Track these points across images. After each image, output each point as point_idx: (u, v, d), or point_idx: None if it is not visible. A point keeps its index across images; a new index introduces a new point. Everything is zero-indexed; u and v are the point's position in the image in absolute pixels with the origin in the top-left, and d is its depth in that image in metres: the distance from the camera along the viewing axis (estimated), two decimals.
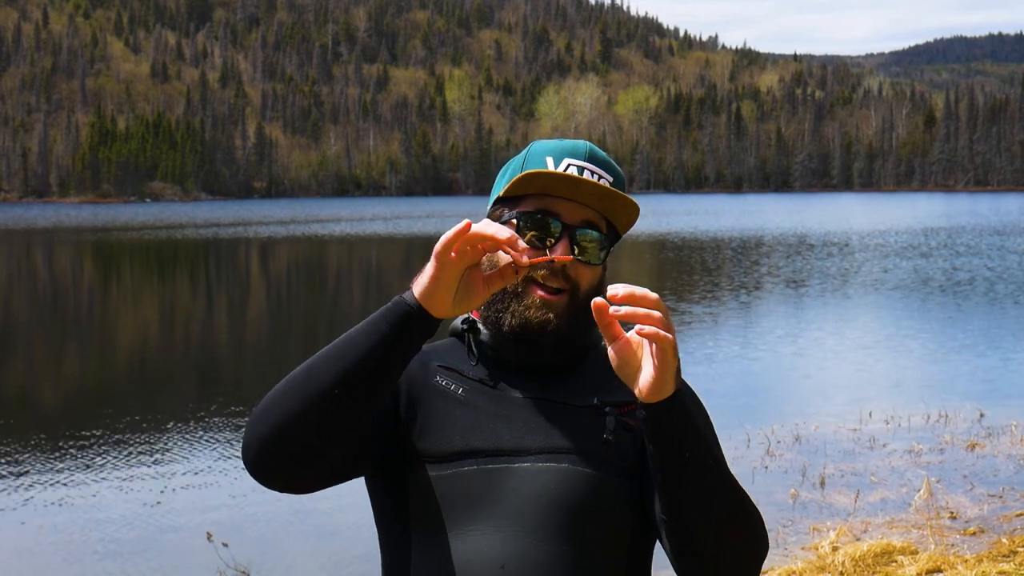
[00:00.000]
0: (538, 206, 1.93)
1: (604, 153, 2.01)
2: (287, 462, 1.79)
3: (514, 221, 1.94)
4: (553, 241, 1.91)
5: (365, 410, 1.79)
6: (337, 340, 1.81)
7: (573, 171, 1.94)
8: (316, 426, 1.76)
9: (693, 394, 1.98)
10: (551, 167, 1.95)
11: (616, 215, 1.96)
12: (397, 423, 1.93)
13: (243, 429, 1.79)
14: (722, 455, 1.82)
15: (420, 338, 1.79)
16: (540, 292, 1.91)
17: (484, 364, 1.99)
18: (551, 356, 1.96)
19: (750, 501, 1.83)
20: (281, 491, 1.86)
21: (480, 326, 2.01)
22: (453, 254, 1.72)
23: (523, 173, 1.91)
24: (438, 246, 1.72)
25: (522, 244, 1.75)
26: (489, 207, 2.02)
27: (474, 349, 2.00)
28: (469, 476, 1.87)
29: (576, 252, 1.91)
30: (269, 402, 1.79)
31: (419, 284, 1.76)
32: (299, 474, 1.82)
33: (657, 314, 1.65)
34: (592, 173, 1.96)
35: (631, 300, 1.65)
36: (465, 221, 1.71)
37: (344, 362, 1.76)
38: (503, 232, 1.72)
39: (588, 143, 2.00)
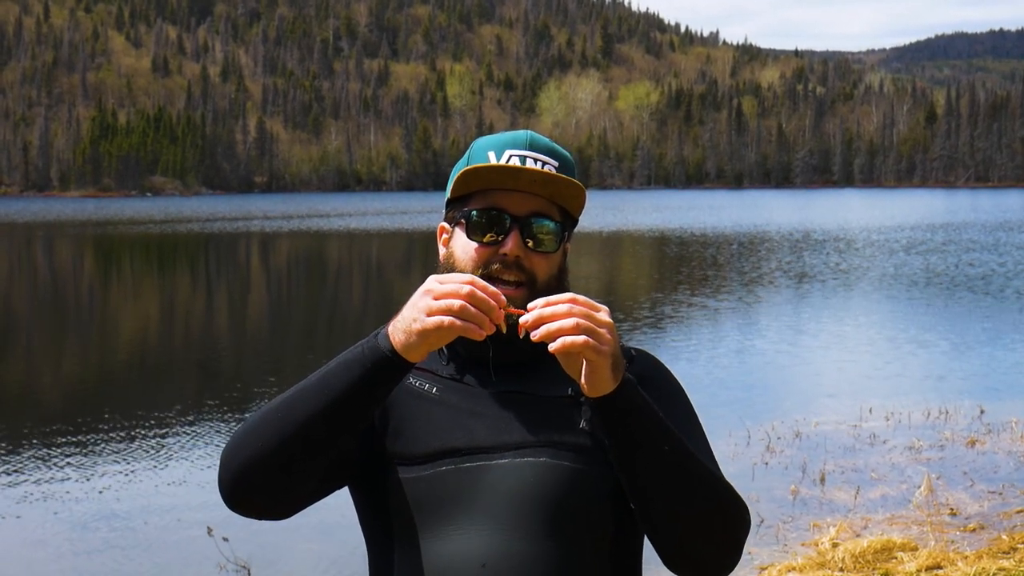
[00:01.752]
0: (485, 203, 1.92)
1: (547, 140, 1.99)
2: (259, 495, 1.82)
3: (463, 221, 1.94)
4: (504, 235, 1.91)
5: (336, 445, 1.81)
6: (312, 377, 1.81)
7: (515, 161, 1.93)
8: (288, 462, 1.79)
9: (663, 380, 2.00)
10: (493, 161, 1.95)
11: (565, 199, 1.94)
12: (373, 430, 1.93)
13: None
14: (682, 442, 1.81)
15: (395, 382, 1.79)
16: (499, 288, 1.86)
17: (455, 363, 1.97)
18: (520, 349, 1.91)
19: (722, 485, 1.82)
20: (257, 519, 1.89)
21: None
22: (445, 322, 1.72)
23: (463, 170, 1.91)
24: (437, 321, 1.72)
25: (491, 289, 1.74)
26: (444, 211, 2.02)
27: (444, 349, 1.98)
28: (447, 476, 1.86)
29: (530, 244, 1.91)
30: (242, 436, 1.81)
31: (400, 335, 1.76)
32: (270, 506, 1.85)
33: (569, 323, 1.69)
34: (535, 160, 1.94)
35: (540, 322, 1.70)
36: (459, 303, 1.71)
37: (318, 401, 1.77)
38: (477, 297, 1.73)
39: (529, 132, 1.99)
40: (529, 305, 1.73)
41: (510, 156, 1.95)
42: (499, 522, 1.83)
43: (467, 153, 2.02)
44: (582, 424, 1.89)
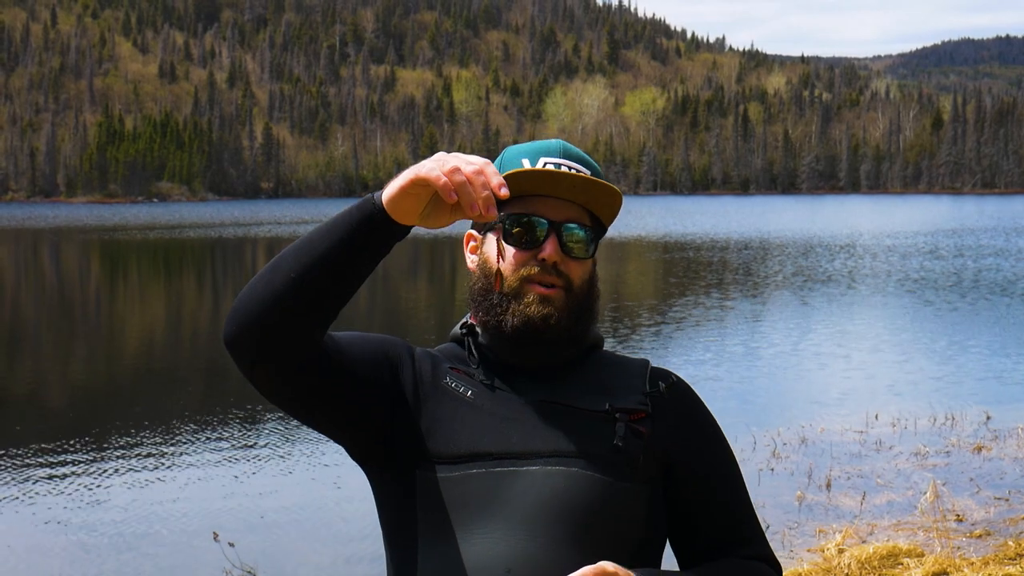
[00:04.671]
0: (522, 209, 1.94)
1: (578, 149, 2.02)
2: (251, 341, 1.83)
3: (500, 226, 1.95)
4: (542, 241, 1.93)
5: (325, 302, 1.82)
6: (307, 233, 1.84)
7: (551, 168, 1.95)
8: (279, 310, 1.80)
9: (703, 422, 2.06)
10: (528, 167, 1.97)
11: (600, 206, 1.98)
12: (392, 406, 1.95)
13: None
14: None
15: (383, 241, 1.80)
16: (538, 288, 1.92)
17: (486, 367, 1.98)
18: (554, 355, 1.96)
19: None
20: (247, 371, 1.88)
21: (479, 331, 2.01)
22: (453, 195, 1.73)
23: (505, 174, 1.90)
24: (435, 174, 1.73)
25: (495, 179, 1.76)
26: None
27: (474, 352, 2.00)
28: (477, 479, 1.87)
29: (566, 249, 1.94)
30: (245, 289, 1.85)
31: (389, 190, 1.77)
32: (261, 354, 1.84)
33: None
34: (569, 168, 1.97)
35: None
36: (479, 165, 1.76)
37: (306, 254, 1.80)
38: (486, 176, 1.75)
39: (561, 141, 2.01)
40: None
41: (545, 163, 1.97)
42: (526, 528, 1.84)
43: (499, 160, 2.03)
44: (616, 440, 1.90)
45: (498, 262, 1.95)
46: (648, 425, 1.94)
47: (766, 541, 2.00)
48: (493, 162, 1.99)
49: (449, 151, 1.63)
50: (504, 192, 1.74)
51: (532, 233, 1.93)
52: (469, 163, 1.73)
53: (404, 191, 1.74)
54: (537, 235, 1.93)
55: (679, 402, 2.00)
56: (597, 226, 2.00)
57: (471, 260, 2.02)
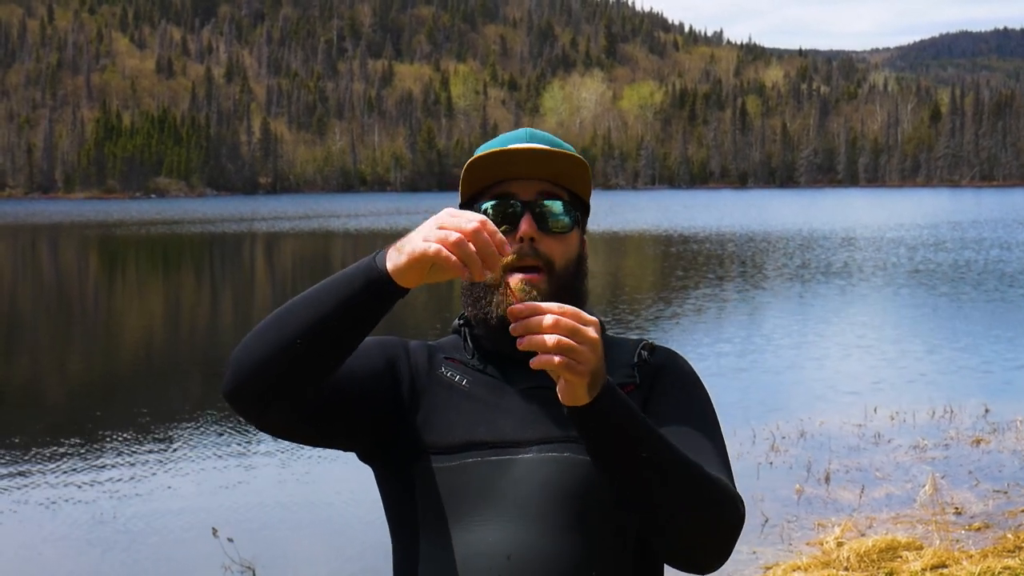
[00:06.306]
0: (494, 193, 1.96)
1: (547, 134, 2.02)
2: (253, 396, 1.83)
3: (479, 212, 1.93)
4: (517, 221, 1.94)
5: (327, 360, 1.81)
6: (310, 289, 1.82)
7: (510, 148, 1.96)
8: (278, 369, 1.79)
9: (678, 372, 2.01)
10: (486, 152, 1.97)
11: (570, 179, 1.97)
12: (397, 408, 1.96)
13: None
14: (664, 446, 1.78)
15: (388, 305, 1.78)
16: (518, 275, 1.91)
17: (483, 357, 1.99)
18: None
19: (709, 485, 1.81)
20: (253, 422, 1.88)
21: (472, 323, 2.02)
22: (460, 267, 1.69)
23: (466, 165, 1.95)
24: (435, 249, 1.69)
25: (497, 235, 1.71)
26: None
27: (469, 343, 2.01)
28: (473, 468, 1.89)
29: (543, 226, 1.94)
30: (244, 342, 1.83)
31: (395, 253, 1.74)
32: (262, 410, 1.84)
33: (550, 340, 1.66)
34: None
35: (525, 329, 1.68)
36: (478, 223, 1.70)
37: (309, 314, 1.77)
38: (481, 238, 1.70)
39: (529, 129, 2.02)
40: (521, 304, 1.70)
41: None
42: (524, 515, 1.85)
43: (471, 159, 2.03)
44: None
45: None
46: (635, 397, 1.94)
47: (733, 483, 1.91)
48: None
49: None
50: (507, 249, 1.72)
51: (507, 216, 1.93)
52: (469, 221, 1.70)
53: (409, 265, 1.71)
54: (512, 218, 1.93)
55: (661, 365, 2.00)
56: (575, 200, 1.99)
57: None
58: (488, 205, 1.95)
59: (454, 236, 1.68)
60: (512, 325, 1.69)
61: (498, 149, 1.94)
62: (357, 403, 1.92)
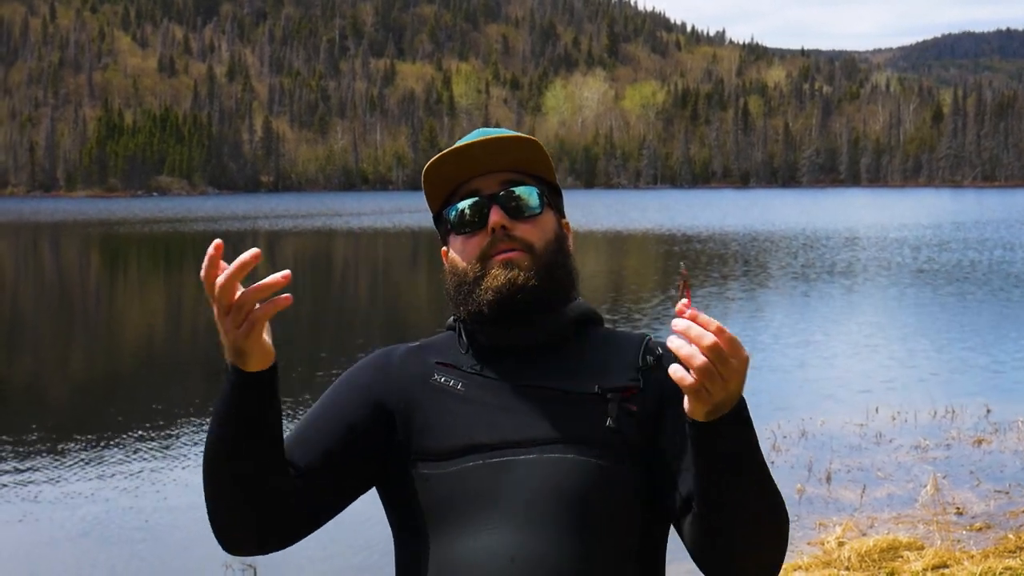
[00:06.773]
0: (461, 194, 1.97)
1: (500, 128, 2.01)
2: (249, 544, 1.89)
3: (448, 224, 1.99)
4: (486, 215, 1.94)
5: (260, 467, 1.80)
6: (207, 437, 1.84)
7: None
8: (231, 500, 1.82)
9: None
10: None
11: (529, 163, 1.98)
12: (389, 434, 1.95)
13: None
14: (764, 462, 1.78)
15: (255, 394, 1.75)
16: (496, 257, 1.92)
17: (478, 353, 1.97)
18: (540, 326, 1.95)
19: (784, 508, 1.80)
20: (277, 549, 1.94)
21: (467, 321, 2.00)
22: (227, 315, 1.68)
23: (424, 174, 1.98)
24: (216, 312, 1.68)
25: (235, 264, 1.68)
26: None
27: (464, 338, 1.99)
28: (474, 472, 1.87)
29: (512, 212, 1.94)
30: (206, 506, 1.86)
31: (228, 355, 1.74)
32: (256, 541, 1.89)
33: (699, 361, 1.62)
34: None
35: (685, 333, 1.64)
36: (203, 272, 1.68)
37: (215, 449, 1.80)
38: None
39: (482, 128, 2.01)
40: (693, 312, 1.66)
41: None
42: (527, 517, 1.83)
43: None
44: (608, 423, 1.88)
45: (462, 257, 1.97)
46: (639, 401, 1.91)
47: None
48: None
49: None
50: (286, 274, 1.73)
51: (476, 215, 1.94)
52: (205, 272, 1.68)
53: (232, 347, 1.71)
54: (479, 213, 1.94)
55: (667, 369, 1.92)
56: (540, 183, 1.99)
57: (446, 268, 2.02)
58: (465, 205, 1.95)
59: (207, 287, 1.67)
60: (675, 321, 1.65)
61: (448, 150, 1.92)
62: (348, 467, 1.93)
